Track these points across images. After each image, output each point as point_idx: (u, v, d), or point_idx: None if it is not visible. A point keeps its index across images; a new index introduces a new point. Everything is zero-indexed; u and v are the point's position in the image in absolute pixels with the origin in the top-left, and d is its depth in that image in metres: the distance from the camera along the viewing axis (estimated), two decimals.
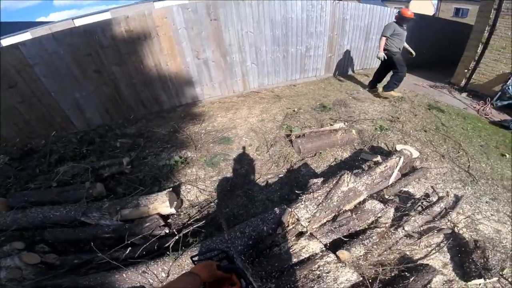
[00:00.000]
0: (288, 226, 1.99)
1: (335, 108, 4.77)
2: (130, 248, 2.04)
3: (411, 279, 1.85)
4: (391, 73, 5.06)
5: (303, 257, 1.90)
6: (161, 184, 2.97)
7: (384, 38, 4.72)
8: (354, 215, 2.16)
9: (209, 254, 1.64)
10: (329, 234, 2.05)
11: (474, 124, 4.44)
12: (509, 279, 2.06)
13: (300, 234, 2.02)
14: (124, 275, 1.75)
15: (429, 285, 1.93)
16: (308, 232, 2.01)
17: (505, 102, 5.01)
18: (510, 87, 4.90)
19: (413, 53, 4.95)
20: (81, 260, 2.00)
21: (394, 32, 4.67)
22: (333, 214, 2.17)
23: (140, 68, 4.26)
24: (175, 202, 2.55)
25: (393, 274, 2.04)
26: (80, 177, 2.87)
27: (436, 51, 7.38)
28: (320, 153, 3.50)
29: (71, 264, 2.00)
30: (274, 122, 4.27)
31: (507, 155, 3.59)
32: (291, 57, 5.52)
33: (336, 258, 1.86)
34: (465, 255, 2.18)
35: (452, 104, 5.27)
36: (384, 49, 4.78)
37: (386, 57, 4.78)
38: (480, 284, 2.01)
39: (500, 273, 2.07)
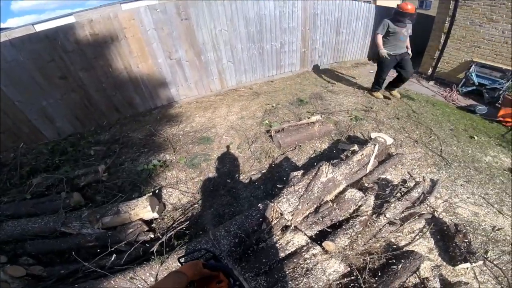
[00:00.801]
0: (272, 221, 1.98)
1: (312, 101, 4.84)
2: (115, 255, 2.00)
3: (400, 266, 1.87)
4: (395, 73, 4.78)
5: (290, 251, 1.90)
6: (141, 190, 2.88)
7: (379, 35, 4.27)
8: (335, 206, 2.19)
9: (196, 254, 1.61)
10: (313, 226, 2.07)
11: (442, 110, 4.65)
12: (495, 262, 2.12)
13: (285, 228, 2.02)
14: (112, 282, 1.71)
15: (417, 271, 1.96)
16: (292, 226, 2.01)
17: (470, 88, 5.31)
18: (472, 74, 5.21)
19: (409, 54, 4.51)
20: (68, 270, 1.96)
21: (389, 30, 4.17)
22: (315, 206, 2.18)
23: (109, 72, 4.06)
24: (157, 207, 2.49)
25: (381, 262, 2.07)
26: (55, 188, 2.76)
27: None
28: (300, 146, 3.54)
29: (58, 274, 1.95)
30: (253, 118, 4.26)
31: (475, 137, 3.80)
32: (266, 53, 5.52)
33: (322, 250, 1.88)
34: (448, 240, 2.23)
35: (421, 92, 5.52)
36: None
37: (388, 55, 4.29)
38: (467, 268, 2.06)
39: (485, 256, 2.14)
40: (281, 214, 2.01)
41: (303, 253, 1.84)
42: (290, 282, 1.69)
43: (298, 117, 4.24)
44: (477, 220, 2.54)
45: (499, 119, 4.20)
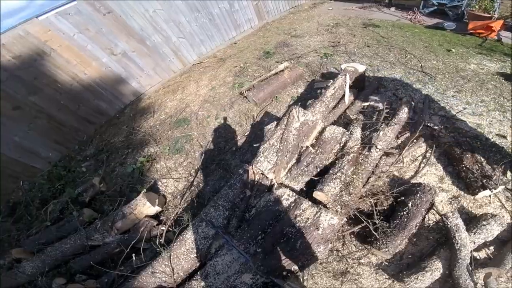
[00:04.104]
0: (255, 184, 1.68)
1: (278, 50, 4.32)
2: (134, 255, 1.97)
3: (410, 204, 1.51)
4: None
5: (279, 211, 1.60)
6: (138, 189, 2.70)
7: None
8: (317, 150, 1.81)
9: None
10: (299, 177, 1.73)
11: (411, 31, 4.22)
12: None
13: (271, 187, 1.72)
14: (140, 280, 1.69)
15: (434, 207, 1.58)
16: (276, 184, 1.70)
17: (431, 9, 4.91)
18: None
19: None
20: (111, 277, 1.98)
21: None
22: (296, 156, 1.82)
23: (59, 88, 3.50)
24: (157, 200, 2.37)
25: (389, 203, 1.69)
26: (68, 210, 2.73)
27: None
28: (276, 97, 3.20)
29: (105, 284, 1.97)
30: (225, 85, 3.82)
31: (453, 50, 3.40)
32: (218, 17, 4.78)
33: (311, 204, 1.55)
34: (457, 163, 1.77)
35: (385, 19, 4.93)
36: None
37: None
38: (490, 196, 1.65)
39: (504, 178, 1.68)
40: (262, 174, 1.69)
41: (294, 211, 1.54)
42: (284, 245, 1.44)
43: (268, 70, 3.77)
44: (481, 132, 2.09)
45: (471, 31, 3.90)
